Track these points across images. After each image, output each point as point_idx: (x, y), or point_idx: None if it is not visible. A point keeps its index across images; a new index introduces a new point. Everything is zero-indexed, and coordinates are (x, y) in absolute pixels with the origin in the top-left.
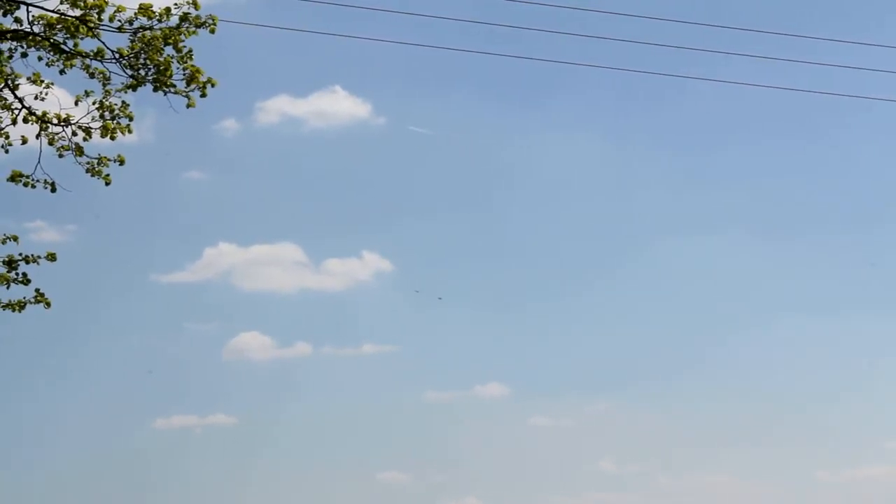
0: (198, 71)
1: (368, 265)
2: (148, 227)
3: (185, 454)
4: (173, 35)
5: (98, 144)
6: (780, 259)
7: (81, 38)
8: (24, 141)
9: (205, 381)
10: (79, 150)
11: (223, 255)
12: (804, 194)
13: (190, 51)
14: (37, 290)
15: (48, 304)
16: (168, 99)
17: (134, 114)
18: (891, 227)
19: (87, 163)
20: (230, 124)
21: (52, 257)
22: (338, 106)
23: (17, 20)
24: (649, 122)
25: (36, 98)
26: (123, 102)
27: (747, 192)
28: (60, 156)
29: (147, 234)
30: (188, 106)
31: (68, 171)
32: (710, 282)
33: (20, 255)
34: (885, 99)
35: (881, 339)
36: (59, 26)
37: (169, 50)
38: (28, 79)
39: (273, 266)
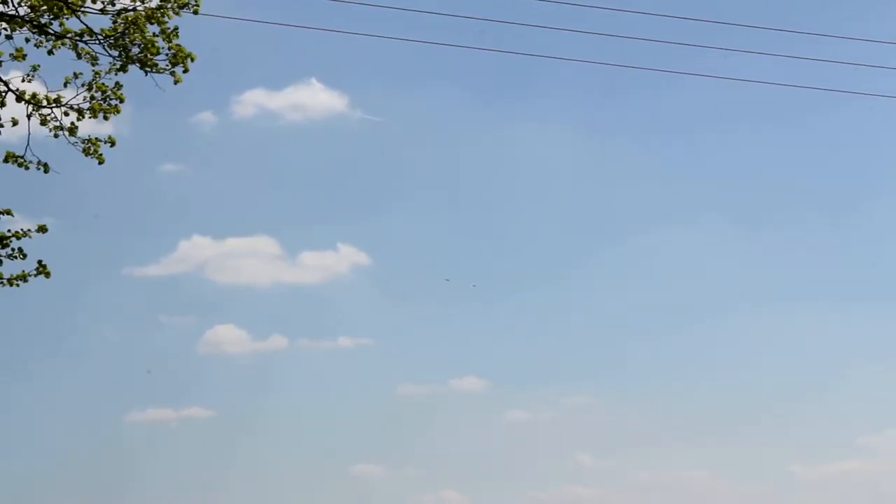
0: (181, 49)
1: (345, 258)
2: (122, 219)
3: (160, 447)
4: (156, 15)
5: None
6: (757, 252)
7: (67, 19)
8: (15, 122)
9: (180, 375)
10: (72, 130)
11: (197, 248)
12: (782, 186)
13: (175, 28)
14: (39, 262)
15: (48, 275)
16: (154, 78)
17: (125, 95)
18: (868, 220)
19: (83, 142)
20: (206, 117)
21: (42, 229)
22: (314, 99)
23: (1, 2)
24: (627, 114)
25: (23, 81)
26: (117, 83)
27: (725, 185)
28: (56, 136)
29: (121, 226)
30: (175, 82)
31: (48, 161)
32: (689, 275)
33: (9, 231)
34: (861, 93)
35: (857, 333)
36: (43, 8)
37: (153, 28)
38: (11, 55)
39: (248, 259)
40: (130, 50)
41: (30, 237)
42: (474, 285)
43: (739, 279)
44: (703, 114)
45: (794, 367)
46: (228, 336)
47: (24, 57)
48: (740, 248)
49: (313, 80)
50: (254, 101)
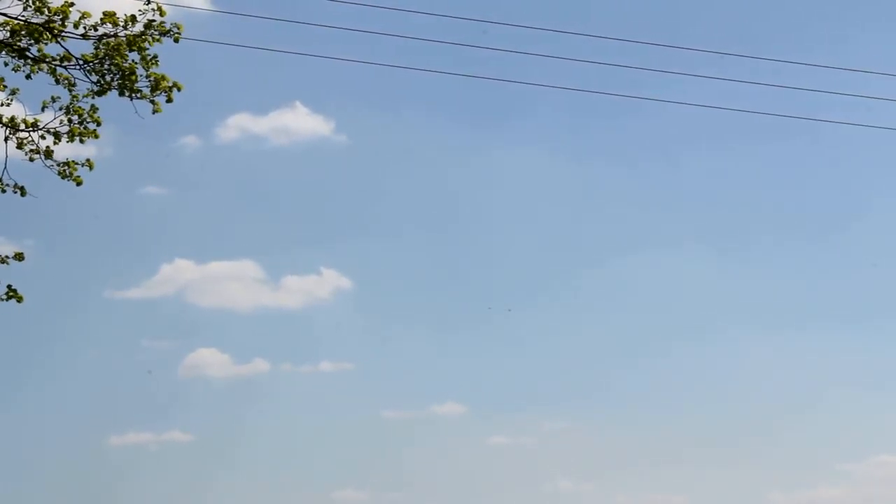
0: (163, 77)
1: (328, 282)
2: (104, 242)
3: (141, 471)
4: (137, 42)
5: (59, 154)
6: (736, 276)
7: (46, 44)
8: None
9: (161, 398)
10: (48, 153)
11: (180, 272)
12: (762, 210)
13: (155, 56)
14: (9, 287)
15: (20, 299)
16: (133, 104)
17: (101, 119)
18: (847, 244)
19: (59, 165)
20: (191, 140)
21: (19, 257)
22: (298, 123)
23: None
24: (607, 138)
25: (1, 105)
26: (93, 106)
27: (706, 208)
28: (31, 159)
29: (103, 249)
30: (154, 111)
31: (30, 183)
32: (669, 299)
33: None
34: (832, 121)
35: (838, 358)
36: (23, 32)
37: (133, 56)
38: None
39: (231, 283)
40: (110, 75)
41: (7, 264)
42: (510, 310)
43: (719, 303)
44: (683, 138)
45: (774, 392)
46: (210, 360)
47: (4, 88)
48: (720, 272)
49: (298, 104)
50: (238, 124)
